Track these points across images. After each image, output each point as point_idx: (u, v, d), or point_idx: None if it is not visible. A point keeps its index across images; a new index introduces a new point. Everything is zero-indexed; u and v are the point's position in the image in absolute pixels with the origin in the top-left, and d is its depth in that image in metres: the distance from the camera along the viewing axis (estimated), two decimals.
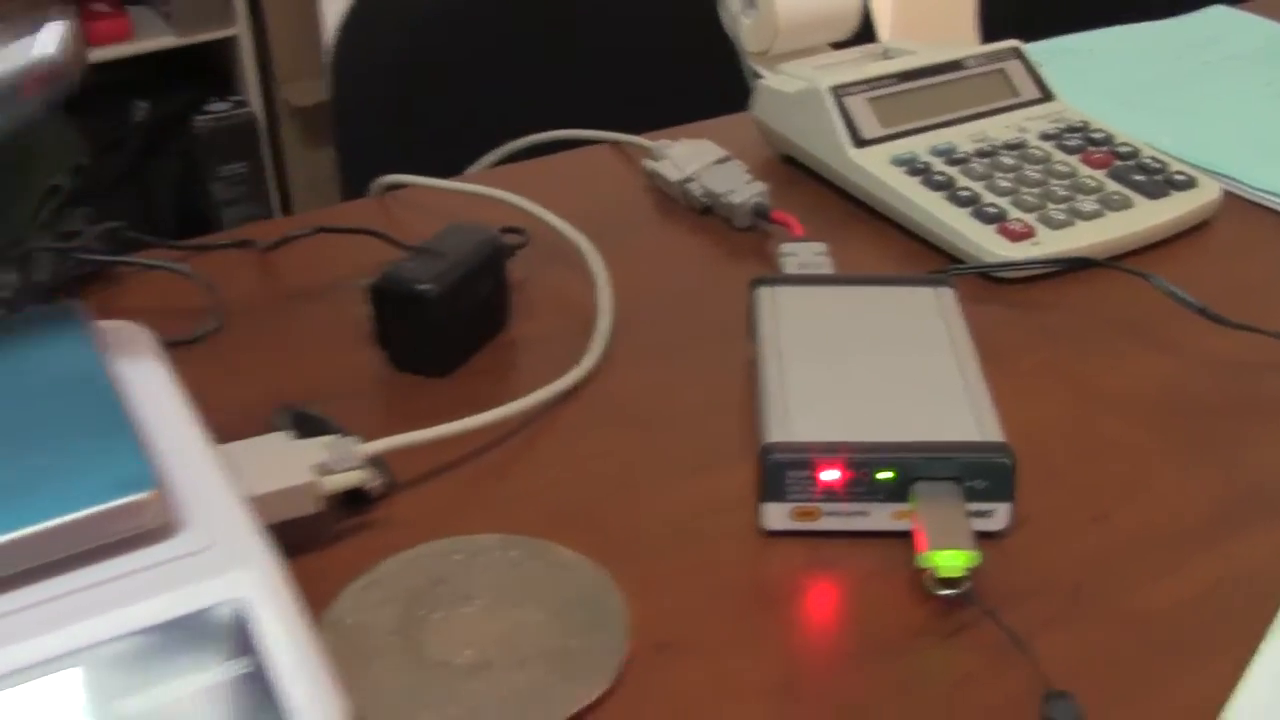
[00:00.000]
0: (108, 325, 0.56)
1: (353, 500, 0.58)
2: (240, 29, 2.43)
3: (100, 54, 2.40)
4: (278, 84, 2.53)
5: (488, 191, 0.79)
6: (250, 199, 2.49)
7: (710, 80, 1.19)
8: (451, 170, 0.87)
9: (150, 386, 0.52)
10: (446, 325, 0.66)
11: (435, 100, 1.27)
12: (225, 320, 0.72)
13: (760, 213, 0.80)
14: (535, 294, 0.73)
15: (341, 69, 1.25)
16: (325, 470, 0.56)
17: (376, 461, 0.58)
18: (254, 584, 0.44)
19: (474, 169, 0.91)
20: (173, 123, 2.52)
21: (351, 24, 1.25)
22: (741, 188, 0.81)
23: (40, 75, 0.45)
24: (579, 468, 0.61)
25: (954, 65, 0.88)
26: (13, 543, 0.42)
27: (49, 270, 0.77)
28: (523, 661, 0.50)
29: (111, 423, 0.47)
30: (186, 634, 0.42)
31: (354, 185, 1.24)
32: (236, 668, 0.42)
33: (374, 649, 0.51)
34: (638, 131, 0.91)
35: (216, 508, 0.46)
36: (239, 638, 0.43)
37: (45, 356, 0.50)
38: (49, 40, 0.46)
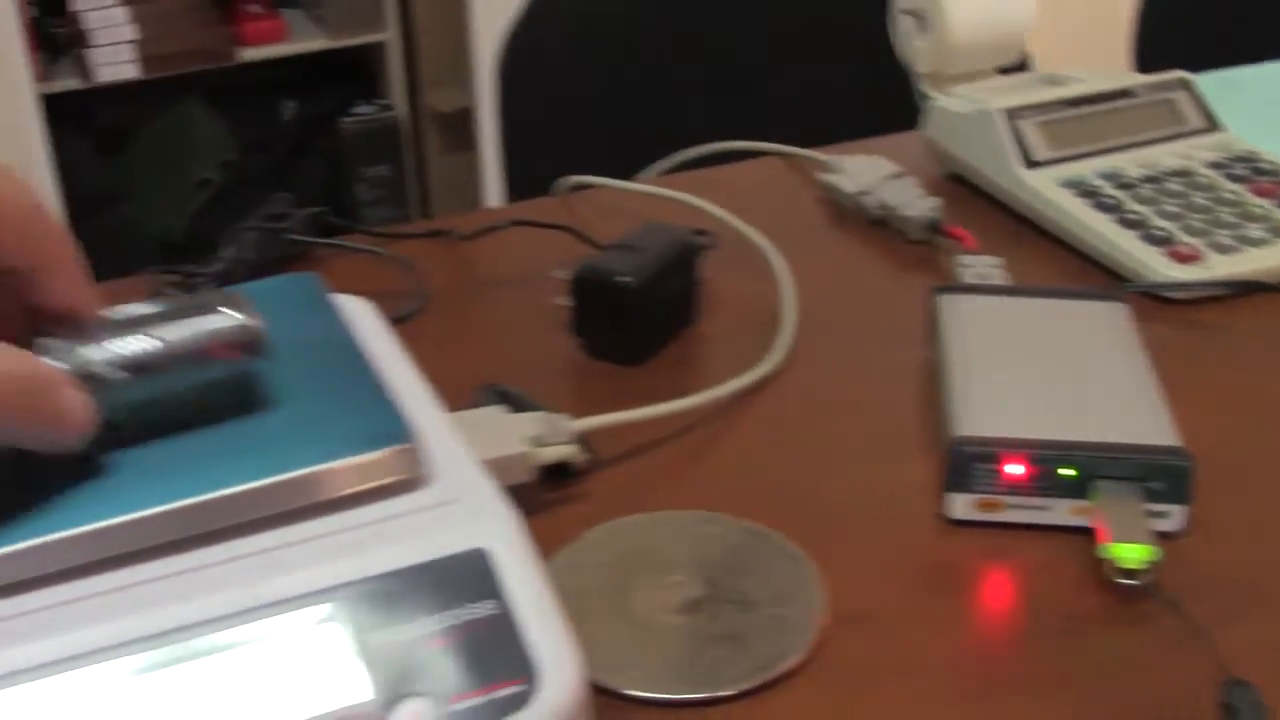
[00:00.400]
0: (340, 297, 0.60)
1: (557, 474, 0.62)
2: (390, 34, 2.49)
3: (252, 54, 2.47)
4: (423, 89, 2.59)
5: (675, 195, 0.83)
6: (390, 201, 2.55)
7: (873, 100, 1.22)
8: (617, 174, 0.91)
9: (385, 354, 0.56)
10: (642, 316, 0.70)
11: (599, 106, 1.32)
12: (424, 303, 0.76)
13: (933, 226, 0.83)
14: (720, 293, 0.77)
15: (509, 71, 1.30)
16: (538, 442, 0.60)
17: (581, 438, 0.62)
18: (497, 534, 0.47)
19: (647, 173, 0.95)
20: (320, 123, 2.60)
21: (520, 29, 1.29)
22: (915, 202, 0.84)
23: (228, 342, 0.49)
24: (771, 452, 0.64)
25: (1123, 93, 0.90)
26: (283, 484, 0.46)
27: (255, 249, 0.82)
28: (725, 626, 0.54)
29: (363, 382, 0.51)
30: (435, 577, 0.46)
31: (515, 186, 1.29)
32: (481, 610, 0.46)
33: (585, 610, 0.55)
34: (801, 146, 0.95)
35: (456, 465, 0.50)
36: (483, 583, 0.46)
37: (294, 320, 0.54)
38: (248, 312, 0.50)
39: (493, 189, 2.33)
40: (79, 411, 0.44)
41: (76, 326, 0.48)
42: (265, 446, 0.48)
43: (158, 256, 2.48)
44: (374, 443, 0.48)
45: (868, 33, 1.15)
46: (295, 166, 2.61)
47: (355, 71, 2.67)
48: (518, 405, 0.64)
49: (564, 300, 0.72)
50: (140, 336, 0.48)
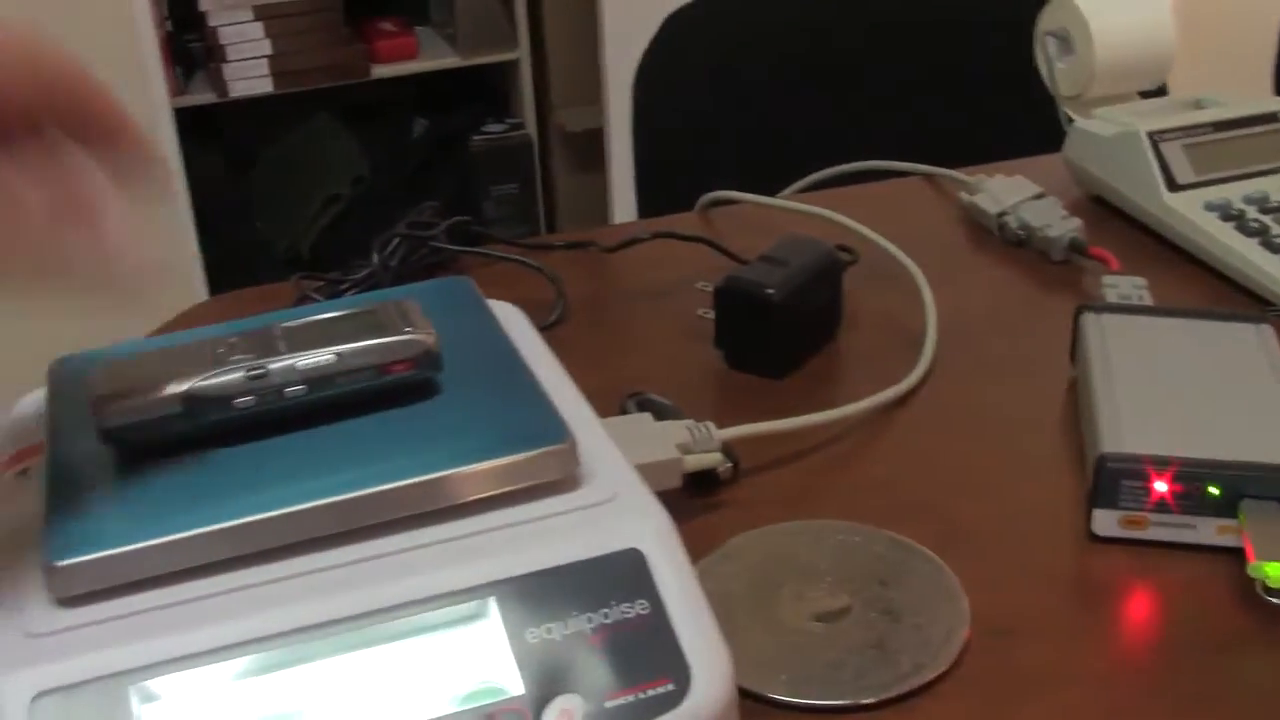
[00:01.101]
0: (492, 302, 0.61)
1: (701, 482, 0.63)
2: (521, 53, 2.52)
3: (384, 71, 2.51)
4: (553, 108, 2.61)
5: (816, 211, 0.83)
6: (517, 219, 2.58)
7: (1013, 122, 1.22)
8: (754, 191, 0.92)
9: (537, 359, 0.57)
10: (786, 329, 0.71)
11: (732, 125, 1.33)
12: (567, 313, 0.77)
13: (1076, 247, 0.83)
14: (860, 309, 0.78)
15: (645, 89, 1.31)
16: (686, 450, 0.61)
17: (726, 447, 0.63)
18: (651, 535, 0.48)
19: (788, 191, 0.96)
20: (450, 141, 2.63)
21: (658, 45, 1.31)
22: (1057, 222, 0.84)
23: (408, 358, 0.51)
24: (913, 466, 0.65)
25: (1269, 117, 0.90)
26: (446, 480, 0.48)
27: (400, 256, 0.83)
28: (868, 635, 0.54)
29: (522, 383, 0.53)
30: (590, 576, 0.47)
31: (648, 204, 1.30)
32: (634, 610, 0.47)
33: (729, 615, 0.55)
34: (939, 166, 0.95)
35: (611, 467, 0.51)
36: (637, 583, 0.47)
37: (451, 321, 0.55)
38: (421, 327, 0.52)
39: (620, 210, 2.35)
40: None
41: (120, 147, 0.47)
42: (429, 443, 0.49)
43: (283, 272, 2.52)
44: (534, 442, 0.49)
45: (1009, 55, 1.15)
46: (424, 183, 2.64)
47: (485, 90, 2.70)
48: (663, 414, 0.65)
49: (707, 312, 0.73)
50: (318, 351, 0.50)
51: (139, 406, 0.48)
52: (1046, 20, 0.95)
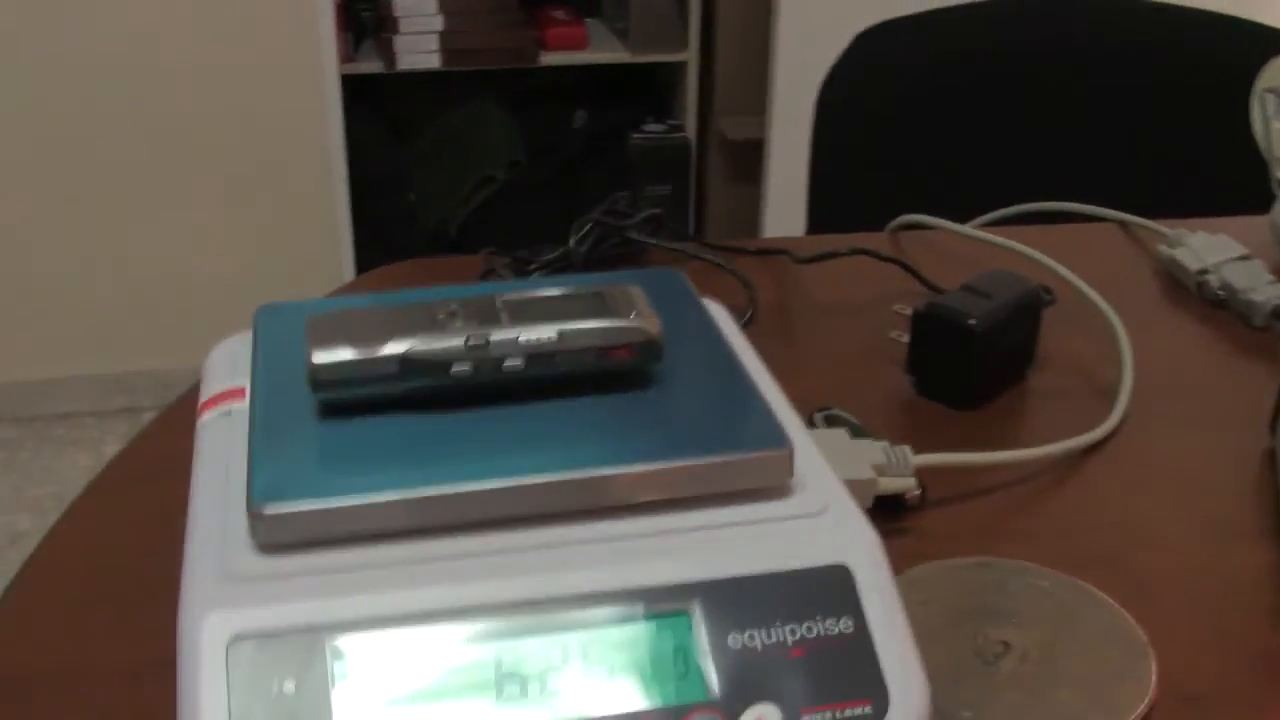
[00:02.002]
0: (705, 300, 0.61)
1: (886, 506, 0.62)
2: (690, 55, 2.52)
3: (552, 59, 2.52)
4: (715, 114, 2.61)
5: (1012, 245, 0.82)
6: (667, 222, 2.57)
7: (1220, 178, 1.19)
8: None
9: (748, 361, 0.57)
10: (983, 361, 0.69)
11: (910, 152, 1.32)
12: (758, 319, 0.77)
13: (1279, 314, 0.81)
14: (1054, 351, 0.76)
15: (827, 106, 1.31)
16: (881, 471, 0.60)
17: (917, 473, 0.62)
18: (861, 552, 0.48)
19: (978, 221, 0.95)
20: (609, 135, 2.64)
21: (844, 64, 1.30)
22: (1263, 287, 0.82)
23: (631, 344, 0.50)
24: (1103, 515, 0.63)
25: None
26: (667, 471, 0.47)
27: (593, 241, 0.83)
28: (1056, 684, 0.53)
29: (743, 384, 0.52)
30: (797, 587, 0.46)
31: (819, 219, 1.30)
32: (838, 626, 0.46)
33: (919, 644, 0.54)
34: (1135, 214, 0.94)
35: (821, 479, 0.50)
36: (844, 599, 0.47)
37: (669, 313, 0.54)
38: (646, 315, 0.51)
39: (771, 224, 2.34)
40: None
41: None
42: (645, 432, 0.48)
43: (428, 248, 2.55)
44: (753, 444, 0.48)
45: (1221, 108, 1.13)
46: (578, 175, 2.65)
47: (649, 88, 2.71)
48: (855, 433, 0.64)
49: (901, 335, 0.72)
50: (542, 327, 0.49)
51: (357, 362, 0.48)
52: (1268, 77, 0.93)
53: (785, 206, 2.32)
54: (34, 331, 2.50)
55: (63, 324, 2.51)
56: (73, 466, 2.44)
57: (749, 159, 2.52)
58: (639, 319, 0.51)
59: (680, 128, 2.54)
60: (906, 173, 1.32)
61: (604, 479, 0.47)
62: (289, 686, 0.42)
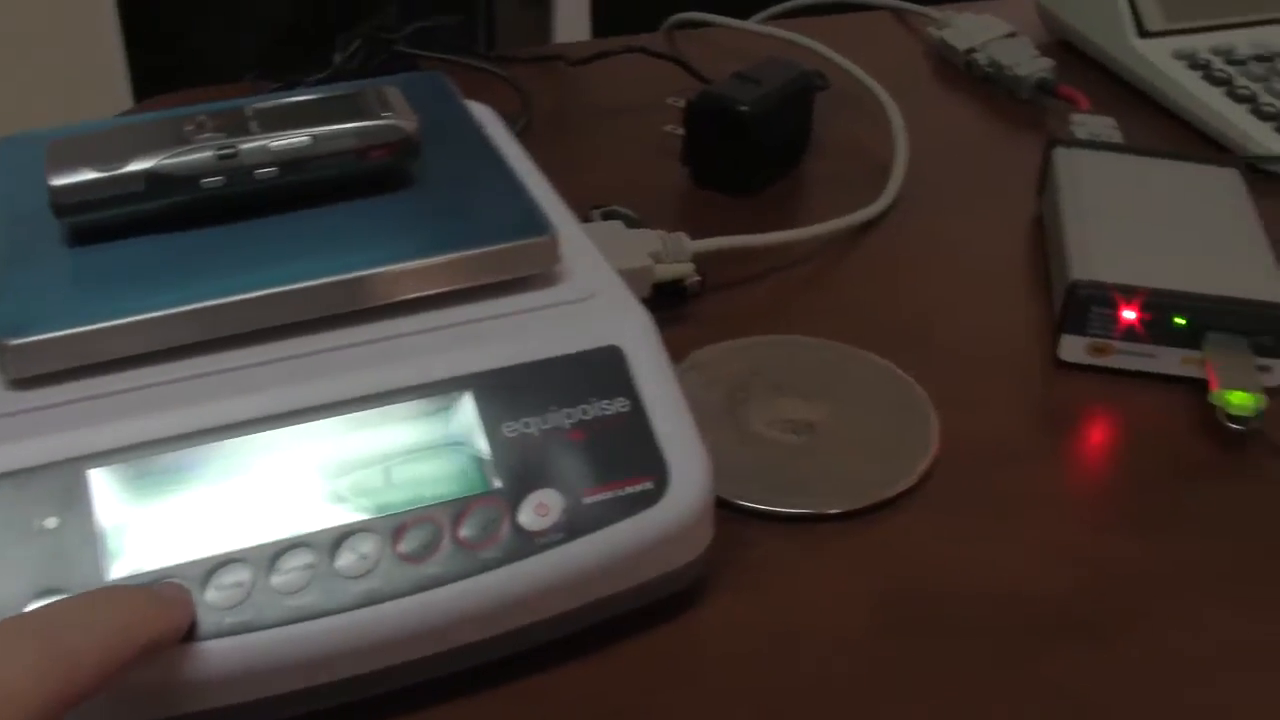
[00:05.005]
0: (467, 101, 0.60)
1: (668, 294, 0.62)
2: None
3: None
4: None
5: (789, 36, 0.82)
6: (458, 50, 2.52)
7: None
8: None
9: (515, 158, 0.56)
10: (757, 145, 0.70)
11: None
12: (533, 125, 0.76)
13: (1044, 86, 0.83)
14: (829, 136, 0.77)
15: None
16: (658, 259, 0.60)
17: (696, 260, 0.62)
18: (633, 333, 0.48)
19: (759, 17, 0.94)
20: None
21: None
22: (1027, 61, 0.83)
23: (388, 143, 0.49)
24: (881, 291, 0.65)
25: None
26: (431, 267, 0.47)
27: (361, 59, 0.82)
28: (842, 447, 0.54)
29: (505, 178, 0.52)
30: (570, 371, 0.46)
31: (604, 29, 1.28)
32: (615, 406, 0.46)
33: (704, 424, 0.55)
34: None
35: (591, 265, 0.50)
36: (618, 380, 0.47)
37: (428, 114, 0.53)
38: (402, 113, 0.50)
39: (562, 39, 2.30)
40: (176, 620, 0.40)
41: None
42: (406, 231, 0.48)
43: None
44: (516, 233, 0.48)
45: None
46: (355, 16, 2.59)
47: None
48: (632, 225, 0.64)
49: (676, 128, 0.72)
50: (293, 132, 0.48)
51: (99, 182, 0.47)
52: None
53: (575, 25, 2.28)
54: None
55: None
56: None
57: None
58: (395, 117, 0.50)
59: None
60: None
61: (365, 279, 0.46)
62: (51, 522, 0.41)
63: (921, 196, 0.72)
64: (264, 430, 0.43)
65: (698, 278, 0.62)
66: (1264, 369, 0.59)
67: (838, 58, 0.80)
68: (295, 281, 0.45)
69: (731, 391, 0.57)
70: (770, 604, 0.48)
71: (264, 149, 0.48)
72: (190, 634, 0.40)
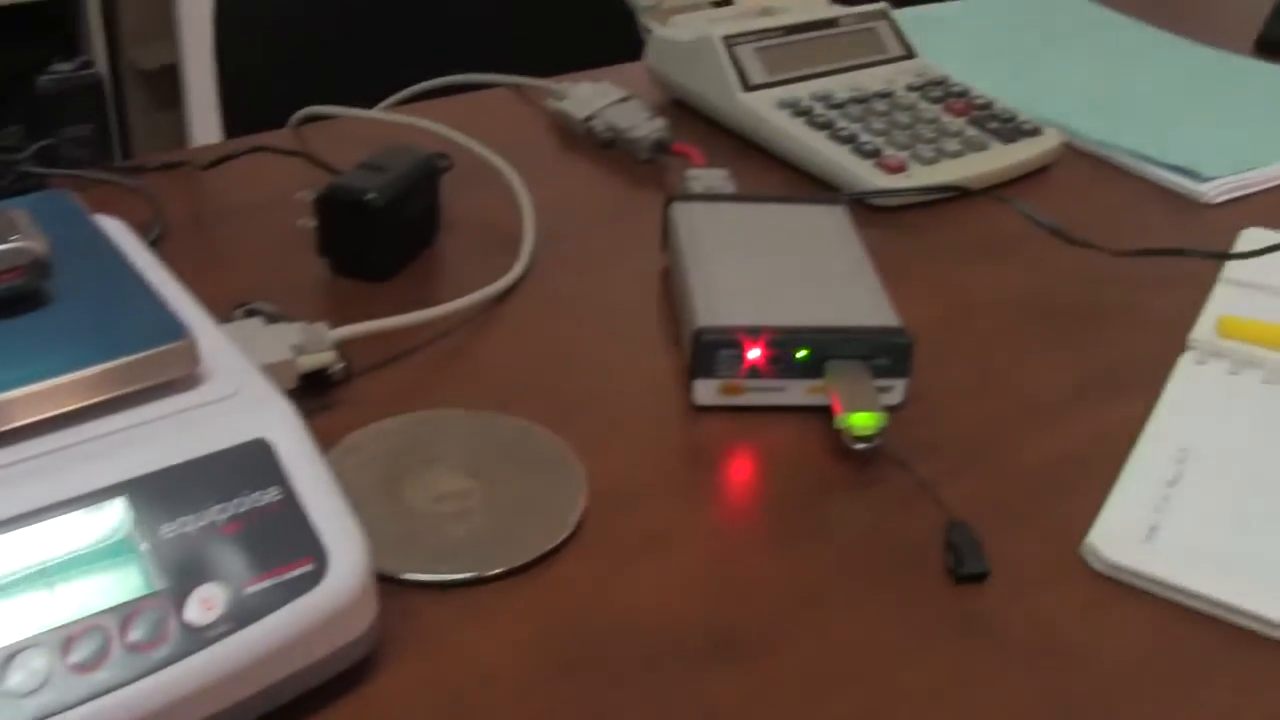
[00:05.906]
0: (95, 216, 0.60)
1: (315, 384, 0.64)
2: None
3: None
4: (125, 45, 2.53)
5: (411, 121, 0.85)
6: (93, 161, 2.48)
7: (595, 34, 1.25)
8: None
9: (147, 268, 0.57)
10: (388, 232, 0.72)
11: (315, 52, 1.32)
12: (168, 232, 0.77)
13: (661, 146, 0.87)
14: (458, 213, 0.80)
15: (224, 18, 1.30)
16: (299, 350, 0.62)
17: (339, 348, 0.64)
18: (277, 424, 0.50)
19: (383, 105, 0.97)
20: (15, 81, 2.51)
21: None
22: (642, 123, 0.88)
23: (18, 266, 0.50)
24: (522, 354, 0.68)
25: (830, 23, 0.96)
26: (67, 384, 0.47)
27: None
28: (494, 511, 0.57)
29: (136, 288, 0.53)
30: (220, 468, 0.48)
31: (236, 130, 1.29)
32: (266, 497, 0.48)
33: (360, 505, 0.57)
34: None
35: (231, 364, 0.52)
36: (267, 471, 0.48)
37: (57, 233, 0.54)
38: (30, 235, 0.51)
39: (198, 138, 2.29)
40: None
41: None
42: (43, 350, 0.48)
43: None
44: (152, 341, 0.49)
45: None
46: None
47: (51, 27, 2.59)
48: (274, 320, 0.66)
49: (308, 221, 0.73)
50: None
51: None
52: None
53: (212, 127, 2.27)
54: None
55: None
56: None
57: (166, 85, 2.46)
58: (23, 239, 0.50)
59: (90, 64, 2.44)
60: (316, 72, 1.32)
61: (8, 402, 0.46)
62: None
63: (553, 261, 0.76)
64: None
65: (341, 364, 0.64)
66: (884, 389, 0.64)
67: (460, 137, 0.82)
68: None
69: (387, 470, 0.59)
70: (443, 666, 0.50)
71: None
72: None
